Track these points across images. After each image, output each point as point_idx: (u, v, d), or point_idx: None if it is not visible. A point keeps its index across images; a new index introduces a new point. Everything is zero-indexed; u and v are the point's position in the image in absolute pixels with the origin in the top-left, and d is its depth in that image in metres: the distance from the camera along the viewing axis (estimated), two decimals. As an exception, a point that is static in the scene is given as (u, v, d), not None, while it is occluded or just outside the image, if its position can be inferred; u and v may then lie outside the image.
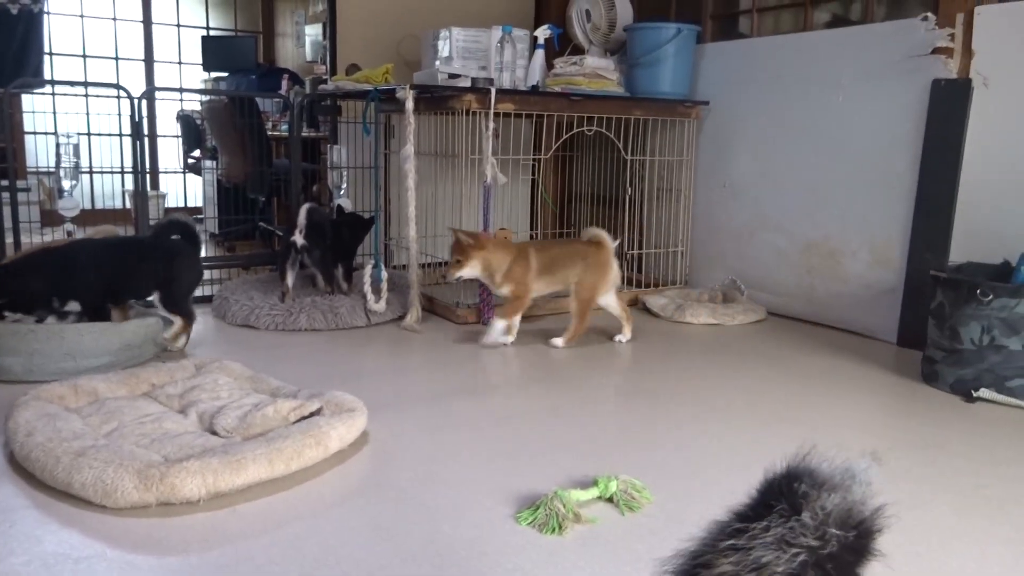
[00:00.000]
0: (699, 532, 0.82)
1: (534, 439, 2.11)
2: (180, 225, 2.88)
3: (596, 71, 3.66)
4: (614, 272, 3.04)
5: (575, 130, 3.72)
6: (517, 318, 2.98)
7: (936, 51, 2.97)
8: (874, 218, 3.23)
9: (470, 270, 2.85)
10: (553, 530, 1.59)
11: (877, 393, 2.59)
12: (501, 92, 3.30)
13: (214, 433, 1.95)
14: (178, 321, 2.78)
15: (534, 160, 3.94)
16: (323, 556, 1.49)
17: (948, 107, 2.95)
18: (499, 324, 2.93)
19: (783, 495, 0.78)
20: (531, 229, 4.37)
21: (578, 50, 3.99)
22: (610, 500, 1.72)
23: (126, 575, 1.41)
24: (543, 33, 3.72)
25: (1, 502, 1.66)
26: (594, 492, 1.72)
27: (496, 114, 3.25)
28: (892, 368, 2.85)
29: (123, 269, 2.74)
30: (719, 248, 3.90)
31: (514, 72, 3.54)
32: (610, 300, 3.08)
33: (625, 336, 3.12)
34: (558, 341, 3.00)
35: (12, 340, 2.42)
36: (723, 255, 3.89)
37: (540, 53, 3.70)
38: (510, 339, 3.00)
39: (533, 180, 4.26)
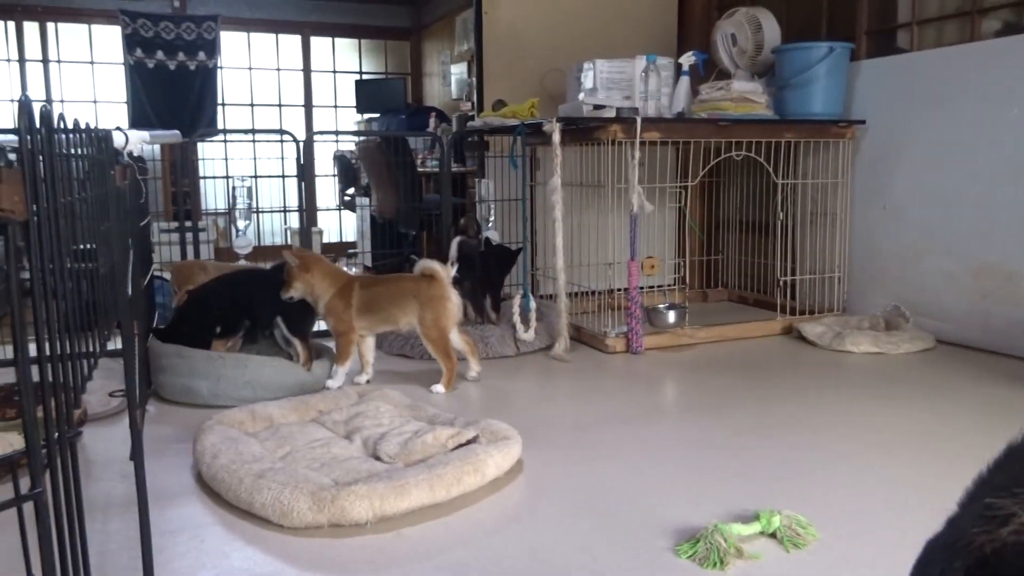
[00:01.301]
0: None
1: (687, 469, 2.07)
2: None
3: (743, 95, 3.60)
4: (453, 305, 2.84)
5: (723, 155, 3.66)
6: (349, 361, 2.83)
7: None
8: (1058, 238, 2.98)
9: (295, 291, 2.80)
10: (715, 564, 1.55)
11: (1069, 429, 2.37)
12: (646, 121, 3.30)
13: (377, 458, 2.04)
14: (301, 347, 2.85)
15: (680, 187, 3.90)
16: (485, 582, 1.52)
17: None
18: (340, 370, 2.82)
19: None
20: (678, 256, 4.32)
21: (724, 75, 3.94)
22: (773, 536, 1.66)
23: (304, 592, 1.49)
24: (687, 60, 3.69)
25: (193, 519, 1.81)
26: (756, 527, 1.66)
27: (642, 143, 3.26)
28: (1085, 401, 2.60)
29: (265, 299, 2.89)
30: (880, 272, 3.71)
31: (659, 100, 3.53)
32: (452, 334, 2.88)
33: (473, 371, 2.92)
34: (438, 387, 2.82)
35: (203, 364, 2.65)
36: (884, 280, 3.69)
37: (685, 80, 3.67)
38: (366, 378, 2.89)
39: (679, 207, 4.21)
